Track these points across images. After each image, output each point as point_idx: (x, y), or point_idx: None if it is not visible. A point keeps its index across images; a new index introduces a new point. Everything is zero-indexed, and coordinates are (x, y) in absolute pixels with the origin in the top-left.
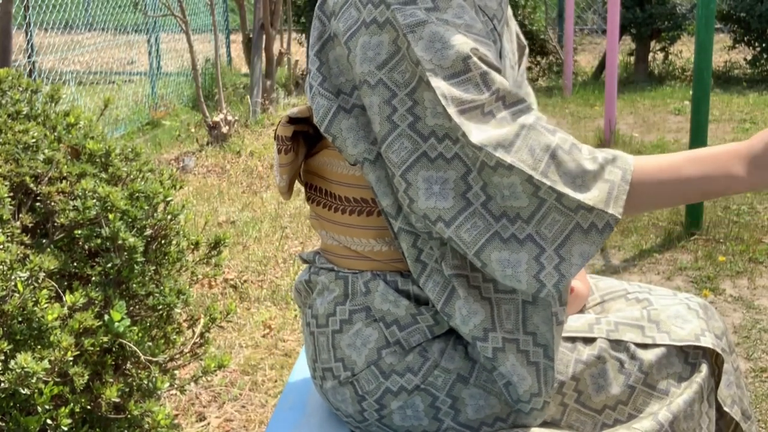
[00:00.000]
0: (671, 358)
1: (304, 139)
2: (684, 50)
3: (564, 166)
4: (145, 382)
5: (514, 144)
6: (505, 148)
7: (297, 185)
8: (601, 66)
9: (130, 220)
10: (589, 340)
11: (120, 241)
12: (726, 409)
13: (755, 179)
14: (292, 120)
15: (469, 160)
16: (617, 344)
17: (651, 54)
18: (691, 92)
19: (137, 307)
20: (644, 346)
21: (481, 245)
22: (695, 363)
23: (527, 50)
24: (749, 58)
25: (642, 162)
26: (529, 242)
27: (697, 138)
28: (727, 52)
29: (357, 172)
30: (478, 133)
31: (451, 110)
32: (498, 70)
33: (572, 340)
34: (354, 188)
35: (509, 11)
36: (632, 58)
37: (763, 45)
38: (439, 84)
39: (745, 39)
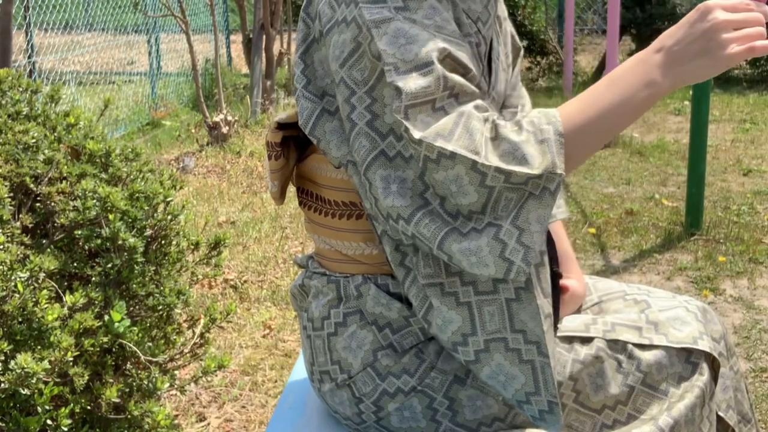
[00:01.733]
0: (671, 358)
1: (295, 144)
2: None
3: (501, 145)
4: (145, 382)
5: (454, 132)
6: (445, 137)
7: (290, 189)
8: (601, 66)
9: (130, 220)
10: (586, 340)
11: (120, 242)
12: (720, 413)
13: (672, 79)
14: (280, 125)
15: (417, 162)
16: (614, 344)
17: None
18: (691, 92)
19: (137, 307)
20: (642, 347)
21: (441, 239)
22: (697, 364)
23: (522, 52)
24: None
25: (566, 108)
26: (487, 227)
27: (697, 138)
28: None
29: (345, 175)
30: (422, 127)
31: (401, 104)
32: (467, 71)
33: (569, 340)
34: (342, 192)
35: (504, 13)
36: None
37: None
38: (395, 79)
39: None
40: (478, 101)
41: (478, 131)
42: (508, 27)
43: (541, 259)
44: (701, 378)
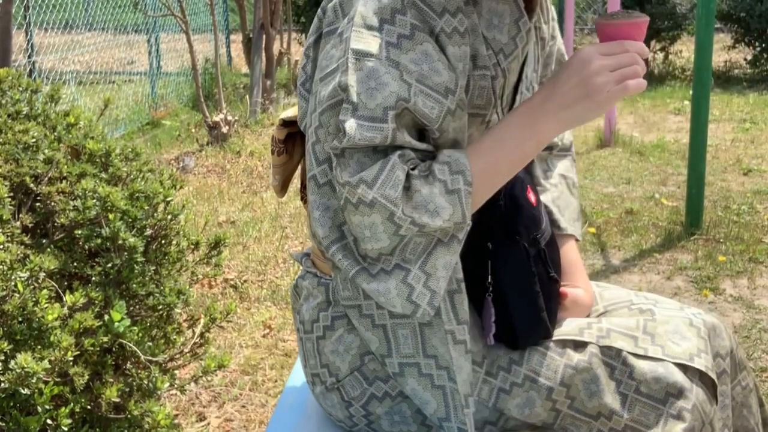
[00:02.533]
0: (668, 370)
1: (301, 140)
2: (684, 50)
3: (414, 197)
4: (145, 382)
5: (377, 180)
6: (368, 184)
7: (290, 187)
8: None
9: (130, 220)
10: (579, 345)
11: (120, 241)
12: None
13: (558, 124)
14: (285, 123)
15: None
16: (608, 350)
17: (651, 54)
18: (691, 92)
19: (137, 307)
20: (637, 356)
21: (353, 275)
22: (693, 382)
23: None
24: (749, 58)
25: (472, 159)
26: (396, 270)
27: (697, 138)
28: (727, 52)
29: None
30: (349, 171)
31: (340, 144)
32: (429, 123)
33: (562, 344)
34: None
35: (550, 32)
36: None
37: (763, 45)
38: (347, 118)
39: (745, 39)
40: (406, 151)
41: (400, 182)
42: (555, 47)
43: (457, 287)
44: (699, 396)
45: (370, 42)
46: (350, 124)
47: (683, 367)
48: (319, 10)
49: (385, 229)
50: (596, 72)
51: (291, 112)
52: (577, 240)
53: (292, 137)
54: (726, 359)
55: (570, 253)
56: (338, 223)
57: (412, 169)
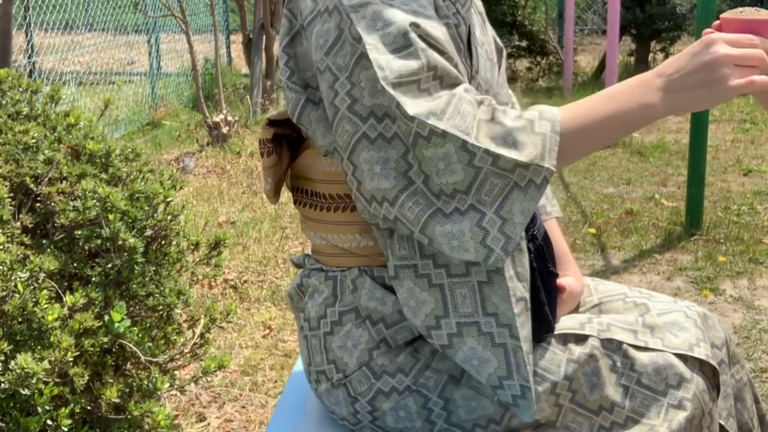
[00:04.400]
0: (668, 362)
1: (288, 144)
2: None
3: (495, 128)
4: (145, 382)
5: (446, 112)
6: (437, 116)
7: (284, 191)
8: (601, 66)
9: (130, 220)
10: (580, 339)
11: (120, 242)
12: (721, 421)
13: (669, 105)
14: (271, 122)
15: (406, 138)
16: (609, 343)
17: (651, 54)
18: None
19: (137, 307)
20: (637, 348)
21: (424, 222)
22: (694, 371)
23: (504, 53)
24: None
25: (563, 111)
26: (470, 211)
27: (697, 138)
28: None
29: (338, 168)
30: (413, 105)
31: (387, 82)
32: (442, 51)
33: (564, 339)
34: (336, 185)
35: (484, 14)
36: (632, 59)
37: None
38: (378, 57)
39: None
40: (466, 85)
41: (469, 114)
42: (490, 28)
43: (519, 246)
44: (699, 386)
45: None
46: (380, 62)
47: (683, 358)
48: (285, 13)
49: (459, 159)
50: (722, 62)
51: (276, 113)
52: (557, 217)
53: (278, 139)
54: (722, 349)
55: (557, 240)
56: (402, 171)
57: (494, 104)
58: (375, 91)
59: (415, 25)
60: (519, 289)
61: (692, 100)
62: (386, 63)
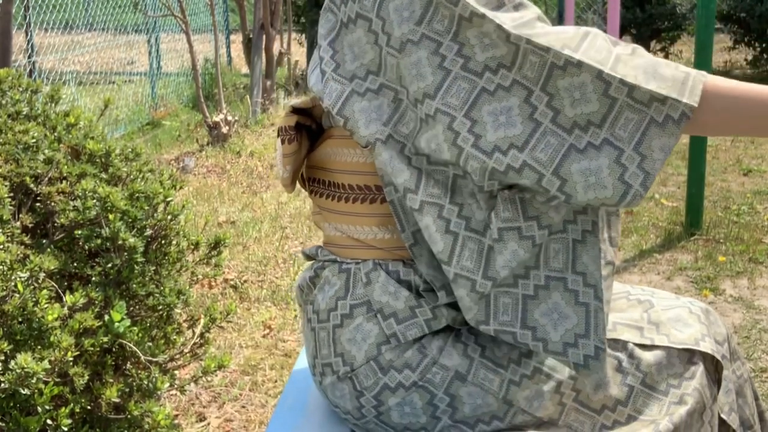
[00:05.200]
0: (672, 359)
1: (307, 133)
2: (684, 50)
3: (632, 61)
4: (145, 382)
5: (580, 46)
6: (572, 49)
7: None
8: None
9: (130, 220)
10: None
11: (120, 242)
12: (723, 416)
13: None
14: (295, 110)
15: (528, 81)
16: (615, 343)
17: (651, 54)
18: None
19: (137, 307)
20: (643, 347)
21: (559, 160)
22: (698, 366)
23: None
24: (749, 58)
25: (718, 79)
26: (606, 146)
27: (697, 138)
28: (727, 52)
29: (361, 158)
30: (543, 36)
31: (508, 26)
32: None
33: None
34: (358, 175)
35: None
36: None
37: (763, 45)
38: (486, 11)
39: (745, 39)
40: (597, 29)
41: (604, 49)
42: None
43: (617, 211)
44: (702, 380)
45: None
46: (492, 14)
47: (689, 352)
48: (328, 5)
49: (595, 89)
50: None
51: (299, 101)
52: None
53: (298, 129)
54: (723, 345)
55: None
56: (527, 114)
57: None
58: (485, 46)
59: None
60: (609, 252)
61: None
62: (497, 15)
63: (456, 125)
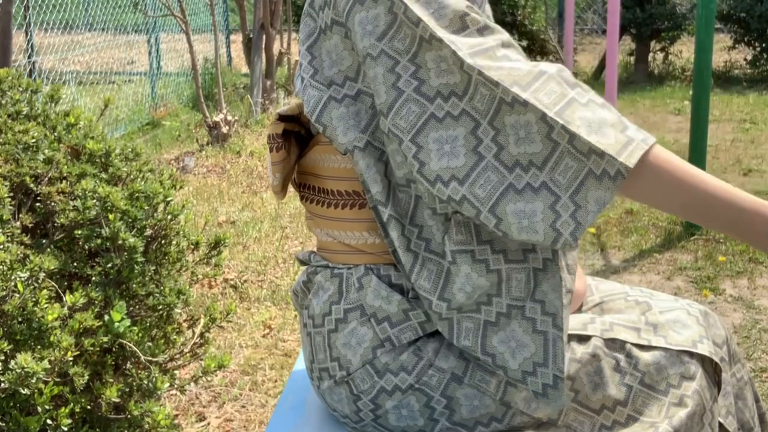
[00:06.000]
0: (670, 359)
1: (296, 139)
2: (684, 50)
3: (582, 111)
4: (145, 382)
5: (531, 85)
6: (522, 87)
7: (290, 189)
8: (601, 66)
9: (130, 220)
10: (583, 339)
11: (120, 241)
12: (720, 419)
13: (763, 246)
14: (282, 117)
15: (477, 113)
16: (612, 342)
17: (651, 54)
18: (691, 92)
19: (137, 307)
20: (640, 347)
21: (496, 199)
22: (696, 368)
23: None
24: (749, 58)
25: (665, 150)
26: (543, 190)
27: (697, 138)
28: (727, 52)
29: (348, 164)
30: (496, 70)
31: (463, 53)
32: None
33: (566, 339)
34: (345, 181)
35: (491, 18)
36: (632, 58)
37: (763, 45)
38: (445, 35)
39: (745, 39)
40: (562, 66)
41: (555, 92)
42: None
43: None
44: (701, 382)
45: None
46: (450, 38)
47: (687, 354)
48: (307, 10)
49: (539, 130)
50: None
51: (286, 108)
52: None
53: (287, 135)
54: (723, 347)
55: None
56: (472, 147)
57: (589, 93)
58: (440, 71)
59: (468, 7)
60: (568, 280)
61: None
62: (456, 40)
63: (403, 148)
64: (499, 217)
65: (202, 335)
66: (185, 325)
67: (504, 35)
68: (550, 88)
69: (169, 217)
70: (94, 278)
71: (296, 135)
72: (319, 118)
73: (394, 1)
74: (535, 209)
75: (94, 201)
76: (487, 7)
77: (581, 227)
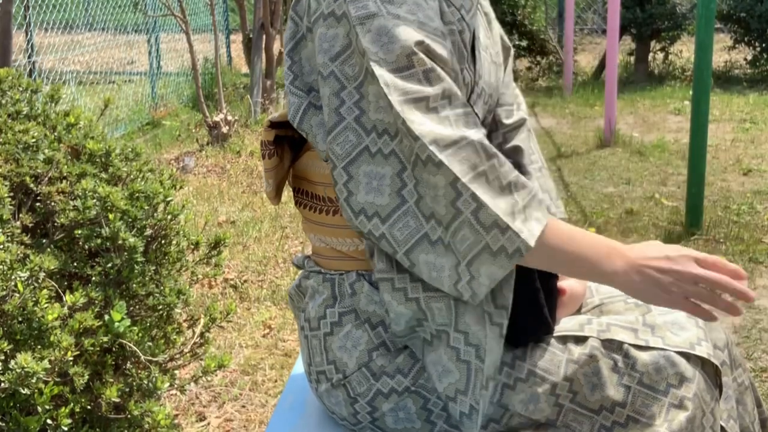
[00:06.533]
0: (669, 360)
1: (289, 144)
2: (684, 50)
3: (490, 183)
4: (145, 382)
5: (449, 148)
6: (440, 147)
7: (288, 190)
8: (601, 66)
9: (130, 220)
10: (580, 340)
11: (120, 241)
12: (722, 423)
13: (628, 285)
14: (273, 124)
15: (404, 156)
16: (609, 343)
17: (651, 54)
18: (691, 92)
19: (137, 307)
20: (638, 348)
21: (411, 245)
22: (695, 370)
23: (512, 52)
24: (749, 58)
25: (553, 224)
26: (450, 250)
27: (697, 138)
28: (727, 52)
29: None
30: (419, 124)
31: (394, 98)
32: (445, 65)
33: (563, 340)
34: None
35: (492, 13)
36: (632, 58)
37: (763, 45)
38: (382, 73)
39: (745, 39)
40: (483, 134)
41: (468, 161)
42: (497, 27)
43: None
44: (701, 385)
45: (366, 5)
46: (385, 79)
47: (685, 356)
48: (291, 15)
49: (445, 194)
50: (687, 277)
51: (277, 114)
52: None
53: (279, 141)
54: (724, 351)
55: None
56: (397, 188)
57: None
58: (378, 107)
59: (419, 44)
60: (496, 315)
61: (645, 291)
62: (391, 81)
63: (335, 174)
64: (413, 262)
65: (202, 335)
66: (185, 325)
67: (448, 86)
68: (466, 154)
69: (169, 217)
70: (94, 278)
71: (290, 139)
72: (300, 124)
73: (351, 27)
74: (444, 265)
75: (94, 201)
76: (488, 8)
77: (477, 296)
